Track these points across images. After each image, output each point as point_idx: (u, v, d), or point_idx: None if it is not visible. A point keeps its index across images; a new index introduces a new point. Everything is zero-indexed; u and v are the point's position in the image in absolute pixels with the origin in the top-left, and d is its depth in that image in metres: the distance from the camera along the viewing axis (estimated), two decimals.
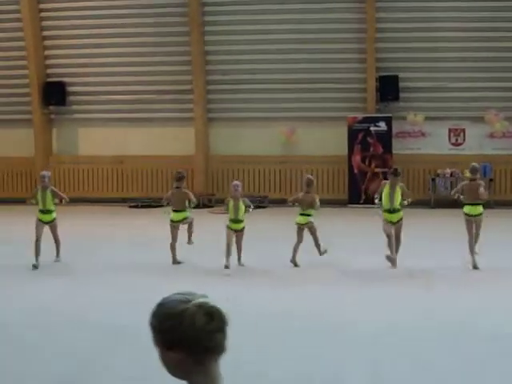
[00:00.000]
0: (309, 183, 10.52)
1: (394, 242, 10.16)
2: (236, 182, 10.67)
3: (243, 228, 10.15)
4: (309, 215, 10.15)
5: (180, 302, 1.90)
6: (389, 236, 10.09)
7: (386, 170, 17.24)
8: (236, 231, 9.98)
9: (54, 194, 10.52)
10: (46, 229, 10.39)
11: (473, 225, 10.29)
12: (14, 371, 5.80)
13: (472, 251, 10.07)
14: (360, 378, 5.60)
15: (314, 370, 5.74)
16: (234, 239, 9.96)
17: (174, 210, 10.36)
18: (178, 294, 1.94)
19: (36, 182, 19.02)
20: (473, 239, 10.22)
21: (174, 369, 1.91)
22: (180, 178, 10.71)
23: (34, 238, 10.14)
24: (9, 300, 8.27)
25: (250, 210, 10.31)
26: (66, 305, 7.97)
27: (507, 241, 12.22)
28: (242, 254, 10.14)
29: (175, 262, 10.21)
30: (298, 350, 6.21)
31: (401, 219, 10.35)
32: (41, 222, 10.36)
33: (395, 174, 10.39)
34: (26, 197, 18.14)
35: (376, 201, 10.62)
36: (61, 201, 10.62)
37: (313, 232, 10.08)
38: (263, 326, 6.97)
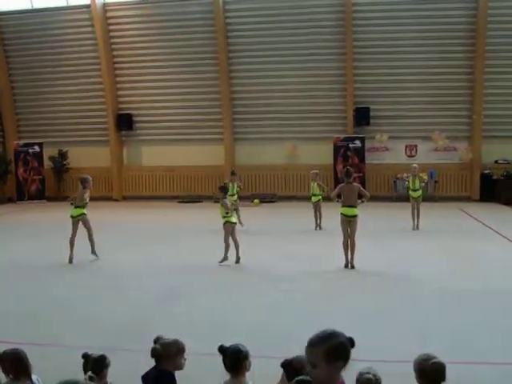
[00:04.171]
0: (317, 175, 15.61)
1: (349, 243, 10.32)
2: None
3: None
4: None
5: None
6: (344, 236, 10.31)
7: (360, 174, 21.43)
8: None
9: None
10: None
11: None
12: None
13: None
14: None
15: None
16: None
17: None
18: None
19: (112, 186, 23.48)
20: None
21: None
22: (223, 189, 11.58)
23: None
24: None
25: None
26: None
27: (445, 223, 16.38)
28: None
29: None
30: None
31: (355, 216, 10.19)
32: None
33: (347, 175, 10.32)
34: (104, 195, 22.87)
35: (335, 200, 10.77)
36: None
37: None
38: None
